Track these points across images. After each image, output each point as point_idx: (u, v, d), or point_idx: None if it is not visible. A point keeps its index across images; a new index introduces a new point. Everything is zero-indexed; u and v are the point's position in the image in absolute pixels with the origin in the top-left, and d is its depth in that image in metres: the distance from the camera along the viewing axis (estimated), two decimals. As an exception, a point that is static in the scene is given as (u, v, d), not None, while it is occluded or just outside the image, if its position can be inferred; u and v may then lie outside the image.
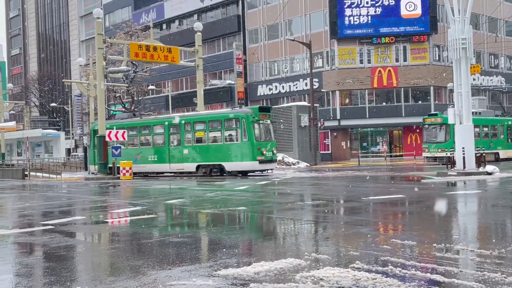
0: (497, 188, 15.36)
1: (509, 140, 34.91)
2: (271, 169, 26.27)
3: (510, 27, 51.41)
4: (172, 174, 27.72)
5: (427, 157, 31.98)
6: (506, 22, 49.66)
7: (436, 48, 44.86)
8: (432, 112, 43.59)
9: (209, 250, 6.81)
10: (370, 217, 9.99)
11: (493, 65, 50.31)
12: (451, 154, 22.06)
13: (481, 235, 7.64)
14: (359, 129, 45.92)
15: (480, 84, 47.37)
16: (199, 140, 26.08)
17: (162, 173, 27.95)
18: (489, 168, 20.05)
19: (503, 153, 34.01)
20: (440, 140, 31.21)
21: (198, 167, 26.19)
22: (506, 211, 10.17)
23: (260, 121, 24.65)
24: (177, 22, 59.50)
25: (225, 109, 29.81)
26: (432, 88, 44.19)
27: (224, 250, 6.54)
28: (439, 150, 30.79)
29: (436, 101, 44.45)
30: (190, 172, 26.57)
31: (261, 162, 24.39)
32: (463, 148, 20.36)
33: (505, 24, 49.91)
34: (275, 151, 25.57)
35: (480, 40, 43.70)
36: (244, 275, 5.03)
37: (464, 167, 20.21)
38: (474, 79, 43.21)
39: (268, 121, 25.25)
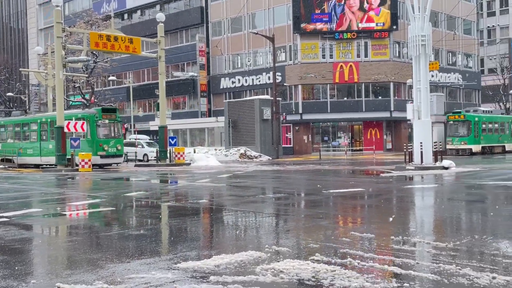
0: (453, 182, 15.78)
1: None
2: (117, 163, 29.05)
3: (467, 26, 52.78)
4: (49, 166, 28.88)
5: (450, 149, 36.23)
6: (464, 20, 50.95)
7: (397, 45, 45.65)
8: (391, 107, 44.46)
9: (169, 243, 6.76)
10: (330, 210, 10.11)
11: (450, 63, 51.56)
12: (410, 148, 22.52)
13: (437, 228, 7.83)
14: (321, 123, 46.36)
15: (438, 80, 48.49)
16: None
17: (39, 165, 29.79)
18: (446, 162, 20.56)
19: (508, 146, 39.29)
20: (463, 134, 36.20)
21: None
22: (461, 204, 10.46)
23: (104, 121, 27.77)
24: (139, 12, 58.61)
25: (77, 110, 33.21)
26: (392, 84, 44.97)
27: (184, 243, 6.50)
28: (462, 143, 35.83)
29: (396, 97, 45.28)
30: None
31: (102, 156, 27.62)
32: (421, 143, 20.81)
33: (463, 23, 51.19)
34: (119, 147, 28.53)
35: (439, 38, 44.73)
36: (204, 268, 5.01)
37: (422, 161, 20.68)
38: (432, 76, 44.20)
39: (108, 121, 27.97)
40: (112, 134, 28.40)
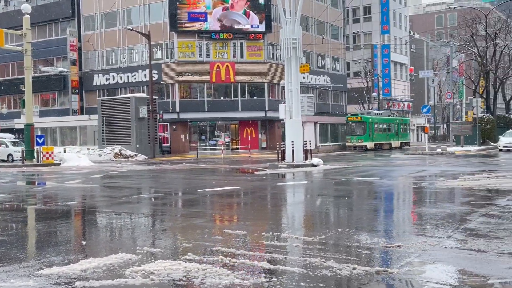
0: (321, 179, 16.63)
1: (396, 134, 46.11)
2: None
3: (335, 31, 55.89)
4: None
5: (348, 146, 41.14)
6: (332, 26, 53.92)
7: (270, 47, 47.04)
8: (266, 107, 45.78)
9: (33, 249, 6.36)
10: (205, 208, 10.17)
11: (320, 65, 54.26)
12: (282, 147, 23.34)
13: (306, 223, 8.20)
14: (198, 122, 46.42)
15: (309, 82, 50.79)
16: None
17: None
18: (315, 160, 21.61)
19: (394, 143, 45.17)
20: (359, 133, 40.81)
21: None
22: (329, 200, 11.06)
23: None
24: (2, 2, 54.40)
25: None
26: (266, 84, 46.28)
27: (50, 247, 6.16)
28: (359, 141, 40.62)
29: (270, 97, 46.67)
30: None
31: None
32: (292, 142, 21.65)
33: (331, 28, 54.14)
34: None
35: (309, 41, 46.86)
36: (70, 273, 4.79)
37: (293, 159, 21.54)
38: (303, 78, 46.21)
39: None
40: None
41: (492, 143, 40.08)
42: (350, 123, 41.68)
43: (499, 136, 37.02)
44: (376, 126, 42.36)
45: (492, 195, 10.73)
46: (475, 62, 56.89)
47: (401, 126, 47.53)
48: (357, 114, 43.42)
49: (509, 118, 48.97)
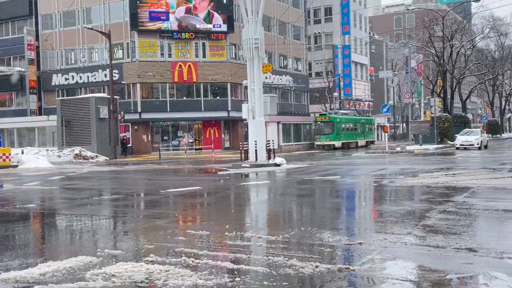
0: (284, 178, 16.72)
1: (362, 133, 47.80)
2: None
3: (296, 31, 56.29)
4: None
5: (317, 144, 42.34)
6: (294, 26, 54.28)
7: (233, 47, 46.99)
8: (229, 107, 45.75)
9: (-11, 254, 6.16)
10: (168, 209, 10.09)
11: (282, 66, 54.53)
12: (245, 147, 23.35)
13: (270, 222, 8.23)
14: (161, 122, 45.99)
15: (272, 82, 50.96)
16: None
17: None
18: (278, 160, 21.72)
19: (360, 142, 46.76)
20: (328, 132, 41.86)
21: None
22: (291, 199, 11.13)
23: None
24: (-45, -1, 52.55)
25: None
26: (229, 84, 46.23)
27: (7, 251, 5.99)
28: (327, 140, 41.82)
29: (233, 97, 46.64)
30: None
31: None
32: (255, 141, 21.69)
33: (293, 28, 54.49)
34: None
35: (271, 41, 47.03)
36: (28, 278, 4.67)
37: (256, 159, 21.59)
38: (266, 78, 46.31)
39: None
40: None
41: (449, 142, 41.13)
42: (319, 122, 42.74)
43: (456, 135, 38.03)
44: (343, 125, 43.61)
45: (449, 192, 11.01)
46: (432, 62, 58.33)
47: (367, 125, 49.31)
48: (326, 114, 44.58)
49: (466, 117, 50.44)
